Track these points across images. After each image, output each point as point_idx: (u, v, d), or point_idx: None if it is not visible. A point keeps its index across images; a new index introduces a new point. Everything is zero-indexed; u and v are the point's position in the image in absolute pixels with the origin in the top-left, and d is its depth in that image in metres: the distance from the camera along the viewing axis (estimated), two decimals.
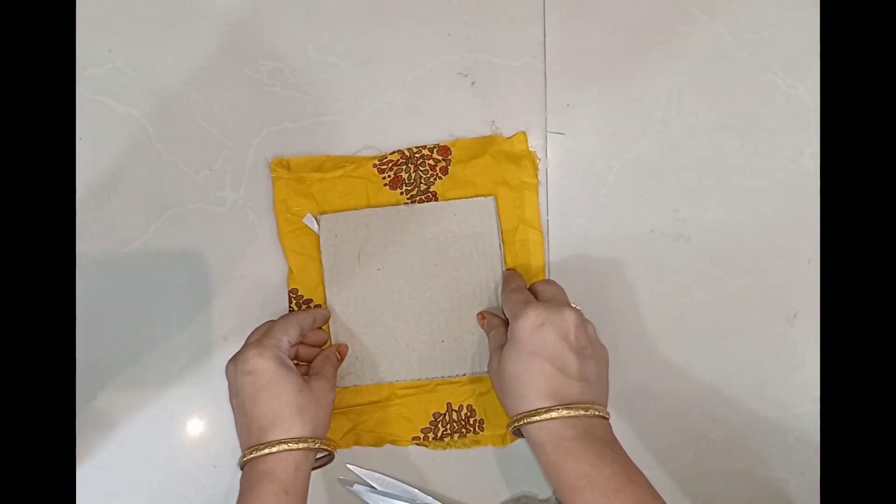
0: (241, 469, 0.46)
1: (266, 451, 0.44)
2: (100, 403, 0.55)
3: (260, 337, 0.49)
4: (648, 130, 0.55)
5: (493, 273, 0.53)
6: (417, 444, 0.54)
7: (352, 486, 0.53)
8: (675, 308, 0.55)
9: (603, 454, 0.42)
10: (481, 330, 0.53)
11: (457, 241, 0.54)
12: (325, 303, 0.54)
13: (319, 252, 0.54)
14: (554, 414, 0.42)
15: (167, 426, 0.55)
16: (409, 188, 0.54)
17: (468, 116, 0.55)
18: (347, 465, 0.54)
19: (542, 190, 0.55)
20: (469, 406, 0.54)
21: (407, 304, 0.54)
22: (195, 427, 0.55)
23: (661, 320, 0.55)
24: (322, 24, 0.56)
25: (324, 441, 0.46)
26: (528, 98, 0.55)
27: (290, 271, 0.54)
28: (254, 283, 0.55)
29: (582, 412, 0.42)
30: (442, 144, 0.54)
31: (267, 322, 0.52)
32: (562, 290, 0.50)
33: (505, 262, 0.54)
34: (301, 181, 0.54)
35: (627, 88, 0.55)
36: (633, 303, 0.55)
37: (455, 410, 0.54)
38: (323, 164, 0.55)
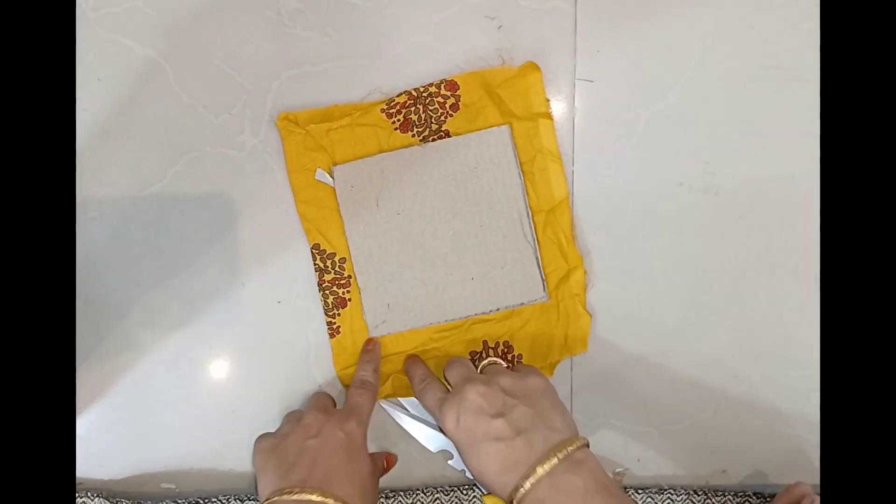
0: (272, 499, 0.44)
1: (332, 500, 0.43)
2: (117, 345, 0.55)
3: (354, 412, 0.49)
4: (680, 79, 0.53)
5: (516, 203, 0.52)
6: None
7: (386, 406, 0.53)
8: (701, 262, 0.54)
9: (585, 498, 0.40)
10: (510, 262, 0.52)
11: (475, 175, 0.53)
12: (349, 255, 0.54)
13: (337, 204, 0.53)
14: (521, 491, 0.41)
15: (185, 370, 0.55)
16: (420, 129, 0.53)
17: (494, 62, 0.53)
18: (380, 402, 0.54)
19: (567, 139, 0.53)
20: (505, 342, 0.53)
21: (431, 245, 0.53)
22: (212, 372, 0.55)
23: (686, 274, 0.54)
24: None
25: None
26: (557, 43, 0.53)
27: (309, 228, 0.54)
28: (272, 230, 0.54)
29: (540, 470, 0.40)
30: (449, 79, 0.53)
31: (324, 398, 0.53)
32: (459, 363, 0.49)
33: (527, 192, 0.53)
34: (310, 135, 0.53)
35: (660, 35, 0.53)
36: (659, 256, 0.54)
37: (492, 348, 0.53)
38: (331, 114, 0.54)
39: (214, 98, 0.54)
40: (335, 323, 0.54)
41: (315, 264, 0.54)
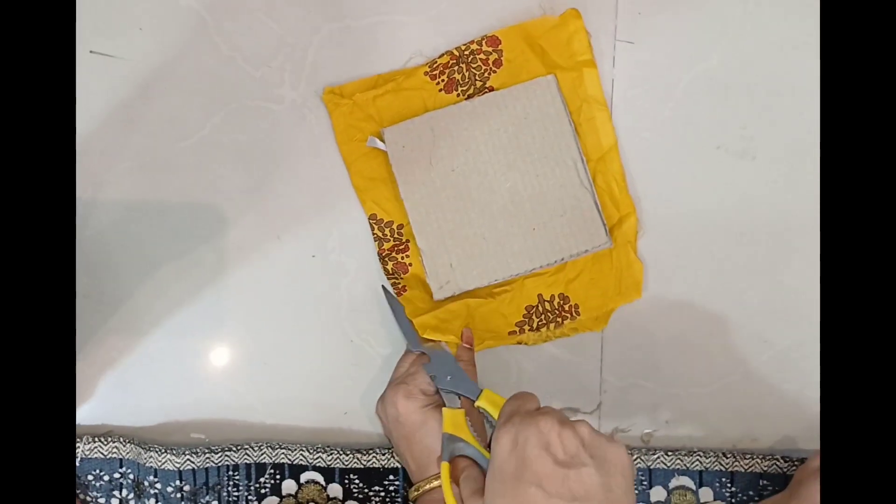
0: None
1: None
2: (150, 294, 0.55)
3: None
4: (720, 43, 0.53)
5: (569, 150, 0.52)
6: (515, 339, 0.53)
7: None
8: (737, 225, 0.54)
9: None
10: (570, 209, 0.52)
11: (525, 125, 0.53)
12: (407, 219, 0.53)
13: (389, 171, 0.53)
14: None
15: (217, 321, 0.55)
16: (464, 88, 0.53)
17: (535, 14, 0.53)
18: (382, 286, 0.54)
19: (607, 100, 0.53)
20: (561, 294, 0.53)
21: (488, 198, 0.53)
22: (245, 323, 0.55)
23: (721, 237, 0.54)
24: None
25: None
26: (599, 4, 0.53)
27: (364, 199, 0.54)
28: (308, 183, 0.55)
29: None
30: (490, 35, 0.53)
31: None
32: (528, 397, 0.42)
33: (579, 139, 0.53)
34: (357, 104, 0.53)
35: None
36: (694, 218, 0.54)
37: (547, 301, 0.53)
38: (375, 82, 0.54)
39: (254, 50, 0.54)
40: (400, 283, 0.54)
41: (374, 234, 0.54)
